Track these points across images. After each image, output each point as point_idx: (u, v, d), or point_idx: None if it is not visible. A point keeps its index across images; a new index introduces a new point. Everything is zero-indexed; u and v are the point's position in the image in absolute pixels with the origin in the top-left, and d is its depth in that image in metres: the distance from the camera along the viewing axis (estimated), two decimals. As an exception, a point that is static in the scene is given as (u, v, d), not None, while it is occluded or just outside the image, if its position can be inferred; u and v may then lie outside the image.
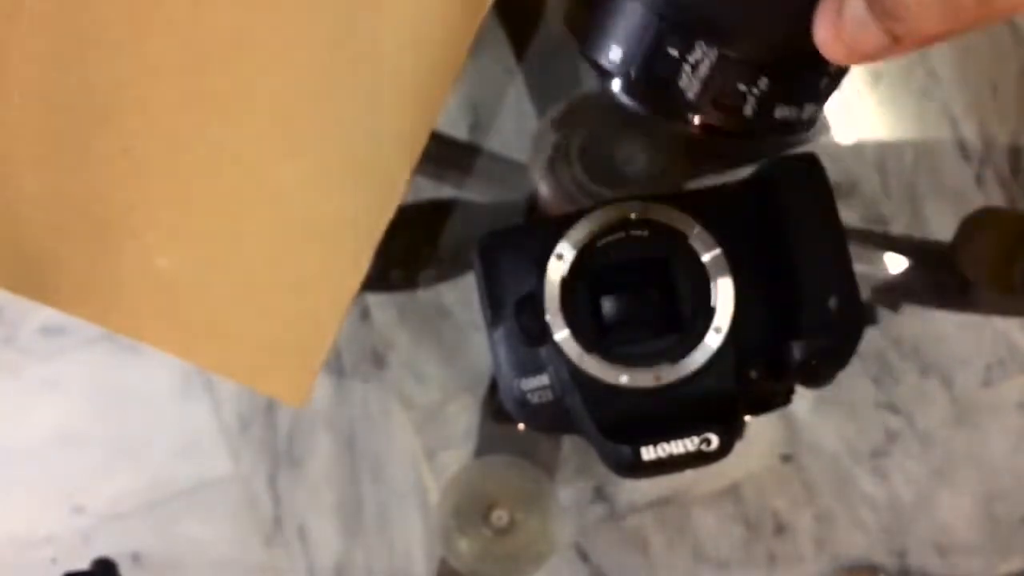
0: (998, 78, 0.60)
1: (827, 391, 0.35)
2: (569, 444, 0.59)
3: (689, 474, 0.34)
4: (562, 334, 0.33)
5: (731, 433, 0.33)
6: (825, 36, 0.22)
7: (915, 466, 0.59)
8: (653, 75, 0.26)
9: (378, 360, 0.58)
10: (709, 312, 0.34)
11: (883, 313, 0.59)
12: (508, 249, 0.35)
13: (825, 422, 0.59)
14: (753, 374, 0.34)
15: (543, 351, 0.34)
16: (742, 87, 0.25)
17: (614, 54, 0.26)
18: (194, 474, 0.58)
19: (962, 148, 0.59)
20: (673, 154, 0.54)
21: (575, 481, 0.59)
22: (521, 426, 0.35)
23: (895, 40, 0.21)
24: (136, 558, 0.58)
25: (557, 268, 0.34)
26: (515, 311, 0.33)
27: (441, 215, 0.57)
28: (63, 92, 0.47)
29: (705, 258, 0.34)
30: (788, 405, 0.35)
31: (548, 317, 0.34)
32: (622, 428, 0.33)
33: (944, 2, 0.20)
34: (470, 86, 0.57)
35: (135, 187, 0.47)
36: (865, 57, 0.22)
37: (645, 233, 0.35)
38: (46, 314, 0.53)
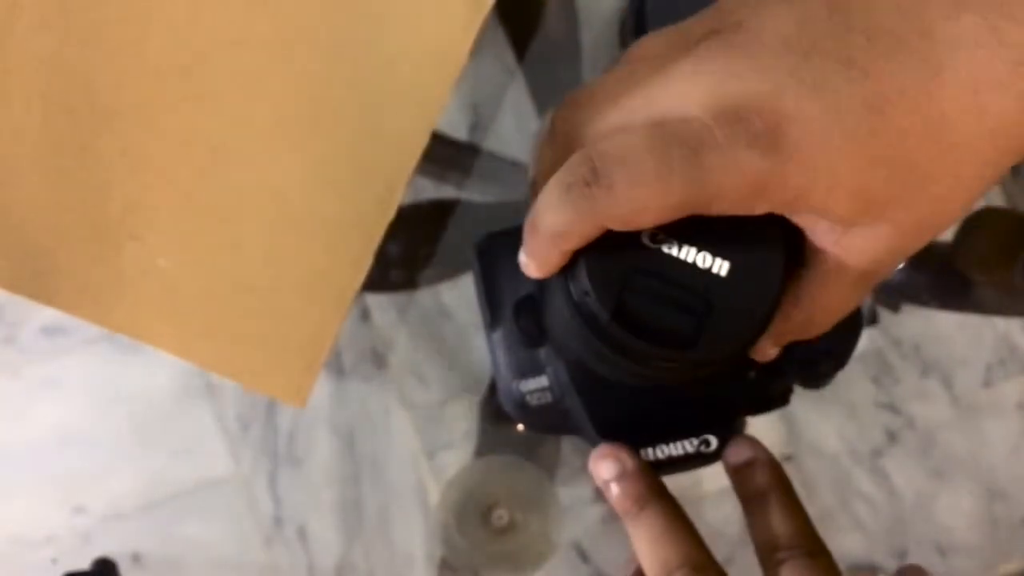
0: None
1: (827, 391, 0.35)
2: (569, 444, 0.59)
3: (689, 474, 0.34)
4: None
5: (730, 434, 0.33)
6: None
7: (915, 466, 0.59)
8: None
9: (378, 360, 0.58)
10: None
11: (883, 313, 0.59)
12: (506, 251, 0.34)
13: (825, 422, 0.59)
14: (752, 375, 0.34)
15: (542, 352, 0.34)
16: None
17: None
18: (194, 474, 0.58)
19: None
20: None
21: (575, 481, 0.59)
22: (521, 426, 0.35)
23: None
24: (136, 558, 0.58)
25: None
26: (514, 313, 0.33)
27: (441, 215, 0.57)
28: (63, 93, 0.47)
29: None
30: (787, 405, 0.35)
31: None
32: (621, 429, 0.33)
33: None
34: (470, 86, 0.57)
35: (135, 187, 0.47)
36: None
37: None
38: (46, 314, 0.53)
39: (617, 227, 0.25)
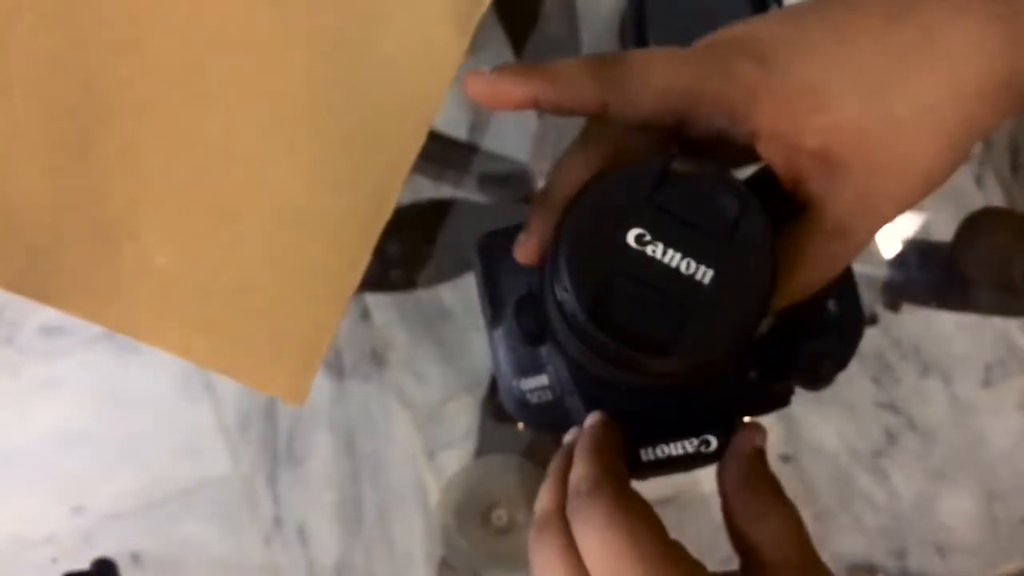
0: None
1: (827, 391, 0.35)
2: (569, 444, 0.58)
3: (692, 474, 0.34)
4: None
5: (730, 435, 0.33)
6: None
7: (915, 466, 0.59)
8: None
9: (378, 360, 0.58)
10: None
11: (883, 313, 0.59)
12: (508, 248, 0.34)
13: (825, 422, 0.59)
14: (752, 375, 0.34)
15: (543, 350, 0.34)
16: None
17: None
18: (194, 474, 0.58)
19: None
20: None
21: (575, 481, 0.59)
22: (521, 425, 0.35)
23: None
24: (136, 558, 0.58)
25: None
26: (515, 311, 0.33)
27: (441, 215, 0.57)
28: (63, 93, 0.47)
29: None
30: (787, 406, 0.35)
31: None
32: (621, 429, 0.33)
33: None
34: (470, 86, 0.57)
35: (134, 187, 0.47)
36: None
37: None
38: (46, 314, 0.53)
39: (617, 109, 0.27)
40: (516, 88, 0.28)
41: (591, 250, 0.26)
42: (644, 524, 0.26)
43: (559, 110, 0.28)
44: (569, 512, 0.27)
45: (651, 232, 0.26)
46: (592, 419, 0.31)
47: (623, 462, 0.30)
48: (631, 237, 0.26)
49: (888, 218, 0.28)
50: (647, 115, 0.27)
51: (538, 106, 0.28)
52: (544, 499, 0.30)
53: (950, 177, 0.28)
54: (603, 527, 0.26)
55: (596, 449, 0.29)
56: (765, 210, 0.27)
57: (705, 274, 0.26)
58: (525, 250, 0.29)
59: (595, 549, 0.26)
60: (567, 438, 0.33)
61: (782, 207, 0.28)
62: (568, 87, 0.28)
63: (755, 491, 0.31)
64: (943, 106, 0.26)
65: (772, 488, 0.31)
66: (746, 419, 0.34)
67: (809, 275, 0.28)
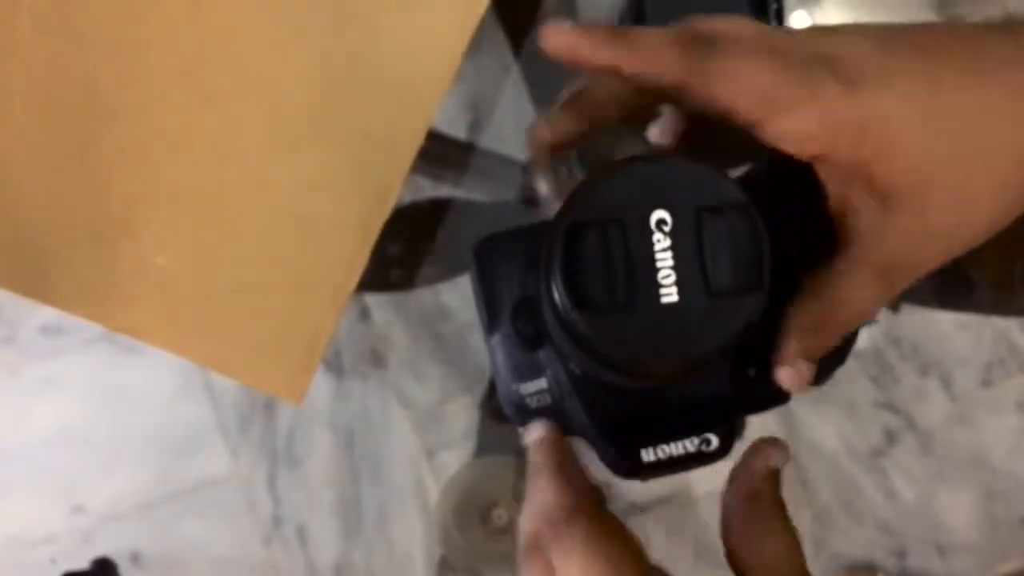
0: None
1: (826, 391, 0.35)
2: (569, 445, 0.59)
3: (690, 473, 0.34)
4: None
5: (731, 433, 0.33)
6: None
7: (915, 466, 0.59)
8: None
9: (377, 360, 0.58)
10: None
11: (883, 313, 0.59)
12: (504, 253, 0.34)
13: (825, 422, 0.59)
14: (751, 373, 0.33)
15: (541, 355, 0.34)
16: None
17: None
18: (194, 474, 0.58)
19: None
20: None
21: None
22: (521, 429, 0.35)
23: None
24: (136, 558, 0.58)
25: None
26: (512, 316, 0.33)
27: (440, 214, 0.57)
28: (63, 93, 0.47)
29: None
30: (787, 402, 0.35)
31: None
32: (621, 430, 0.33)
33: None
34: (469, 85, 0.57)
35: (134, 187, 0.47)
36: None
37: None
38: (46, 314, 0.53)
39: (696, 93, 0.26)
40: (599, 51, 0.27)
41: (618, 198, 0.25)
42: (625, 551, 0.26)
43: (637, 81, 0.27)
44: (548, 541, 0.27)
45: (673, 226, 0.24)
46: (536, 434, 0.30)
47: (587, 478, 0.29)
48: (656, 214, 0.25)
49: (927, 265, 0.27)
50: (722, 109, 0.26)
51: (617, 73, 0.27)
52: (527, 522, 0.28)
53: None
54: (582, 555, 0.25)
55: (559, 470, 0.28)
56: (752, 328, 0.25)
57: (668, 296, 0.24)
58: (540, 132, 0.29)
59: None
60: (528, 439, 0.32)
61: (820, 235, 0.27)
62: (654, 60, 0.26)
63: (758, 511, 0.29)
64: (1010, 171, 0.26)
65: (776, 511, 0.29)
66: (768, 436, 0.33)
67: (850, 317, 0.27)
